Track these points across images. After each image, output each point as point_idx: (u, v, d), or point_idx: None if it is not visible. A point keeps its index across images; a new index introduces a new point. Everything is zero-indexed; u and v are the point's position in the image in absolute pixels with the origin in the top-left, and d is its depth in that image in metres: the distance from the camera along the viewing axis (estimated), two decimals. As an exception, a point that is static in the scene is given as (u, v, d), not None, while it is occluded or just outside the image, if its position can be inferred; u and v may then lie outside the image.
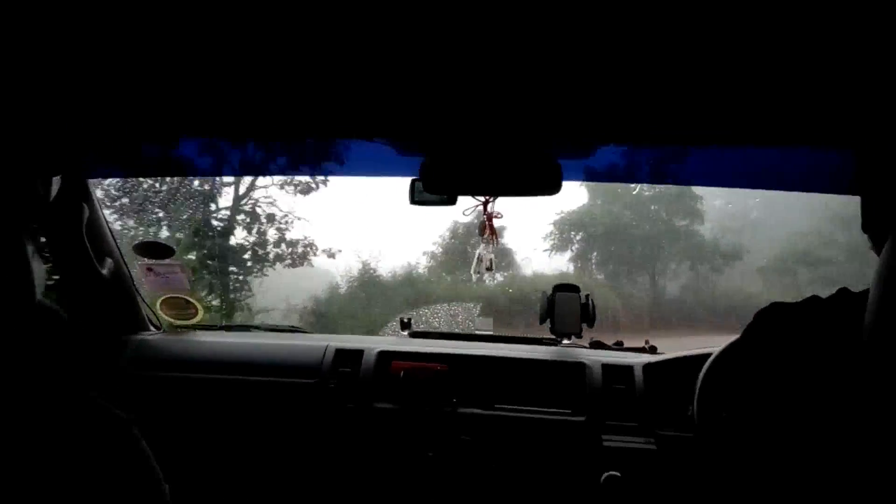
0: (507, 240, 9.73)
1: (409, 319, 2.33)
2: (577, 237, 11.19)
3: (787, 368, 0.74)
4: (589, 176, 1.85)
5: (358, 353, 2.06)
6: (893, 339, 0.56)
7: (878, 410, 0.60)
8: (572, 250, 11.20)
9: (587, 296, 2.11)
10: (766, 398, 0.75)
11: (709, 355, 1.76)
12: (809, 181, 1.69)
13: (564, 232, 11.14)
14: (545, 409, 1.92)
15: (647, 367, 1.96)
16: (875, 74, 0.97)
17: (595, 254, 11.31)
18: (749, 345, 0.82)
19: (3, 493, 0.68)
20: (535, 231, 11.10)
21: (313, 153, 1.85)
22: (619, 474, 1.71)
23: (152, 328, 2.36)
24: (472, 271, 2.02)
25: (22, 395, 0.76)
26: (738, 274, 10.71)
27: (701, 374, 1.72)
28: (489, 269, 1.99)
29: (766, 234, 11.06)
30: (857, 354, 0.62)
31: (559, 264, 11.02)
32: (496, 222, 1.82)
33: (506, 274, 9.63)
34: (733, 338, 1.73)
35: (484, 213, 1.74)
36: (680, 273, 11.10)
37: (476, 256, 1.99)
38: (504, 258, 9.48)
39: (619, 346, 2.21)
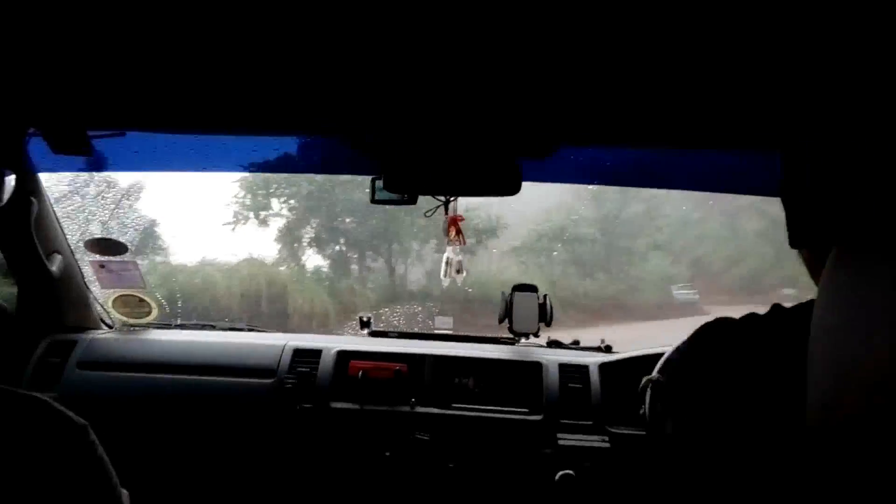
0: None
1: (369, 318, 2.32)
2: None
3: (722, 382, 0.76)
4: (549, 177, 1.88)
5: (316, 353, 2.04)
6: (840, 362, 0.56)
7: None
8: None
9: (545, 296, 2.14)
10: (702, 409, 0.77)
11: (661, 355, 1.81)
12: (748, 183, 1.75)
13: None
14: (503, 409, 1.94)
15: (603, 366, 1.99)
16: (802, 76, 1.02)
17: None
18: (689, 357, 0.85)
19: None
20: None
21: (270, 149, 1.83)
22: (573, 472, 1.74)
23: (104, 327, 2.30)
24: (441, 275, 2.01)
25: None
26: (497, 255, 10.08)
27: (652, 375, 1.76)
28: (459, 271, 1.99)
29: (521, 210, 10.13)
30: (792, 371, 0.62)
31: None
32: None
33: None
34: (679, 343, 1.79)
35: (445, 214, 1.74)
36: (424, 255, 9.93)
37: (444, 260, 1.98)
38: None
39: (575, 344, 2.24)
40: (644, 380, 1.68)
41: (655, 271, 10.38)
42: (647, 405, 1.74)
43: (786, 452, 0.61)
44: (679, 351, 0.87)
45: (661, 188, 1.90)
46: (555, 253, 10.14)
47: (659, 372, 1.73)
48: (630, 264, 10.66)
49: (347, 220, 9.35)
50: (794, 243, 0.73)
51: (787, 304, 0.79)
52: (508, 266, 9.92)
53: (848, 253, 0.58)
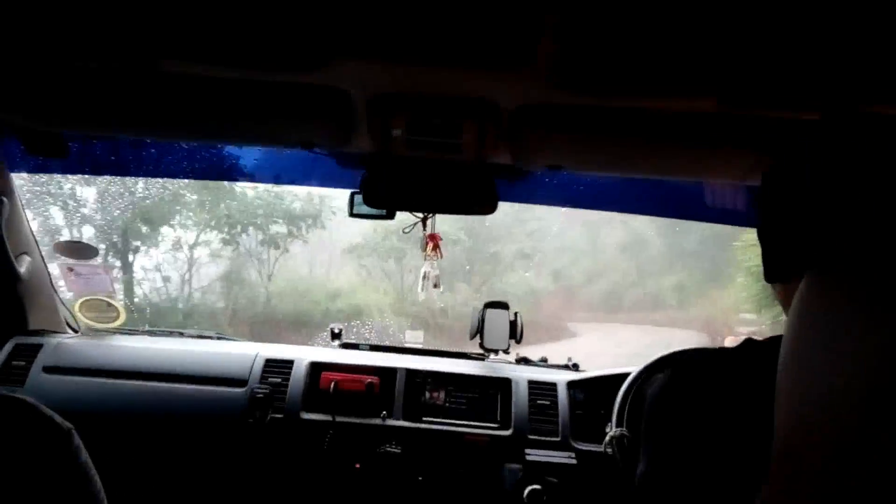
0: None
1: (340, 330, 2.33)
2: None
3: (697, 419, 0.76)
4: (523, 197, 1.92)
5: (288, 363, 2.04)
6: (807, 388, 0.57)
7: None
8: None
9: (516, 313, 2.17)
10: (678, 446, 0.77)
11: (627, 375, 1.86)
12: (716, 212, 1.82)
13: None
14: (473, 423, 1.97)
15: (571, 383, 2.03)
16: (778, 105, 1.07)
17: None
18: (665, 396, 0.83)
19: None
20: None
21: (250, 158, 1.84)
22: (540, 487, 1.77)
23: (70, 331, 2.26)
24: (418, 289, 2.03)
25: None
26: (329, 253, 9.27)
27: (618, 397, 1.81)
28: (436, 286, 2.01)
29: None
30: (765, 403, 0.62)
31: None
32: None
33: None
34: (645, 364, 1.84)
35: (423, 230, 1.77)
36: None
37: (421, 274, 2.00)
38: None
39: (543, 362, 2.28)
40: (608, 436, 1.75)
41: (520, 284, 9.72)
42: (613, 419, 1.80)
43: (754, 486, 0.62)
44: (655, 390, 0.86)
45: (632, 213, 1.95)
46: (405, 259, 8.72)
47: (626, 390, 1.79)
48: (494, 274, 9.83)
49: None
50: (769, 277, 0.75)
51: (757, 338, 0.79)
52: (341, 268, 9.21)
53: (817, 281, 0.60)
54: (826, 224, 0.60)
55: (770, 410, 0.62)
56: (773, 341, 0.75)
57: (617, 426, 1.77)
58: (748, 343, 0.79)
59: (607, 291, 9.89)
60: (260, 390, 1.93)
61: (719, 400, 0.74)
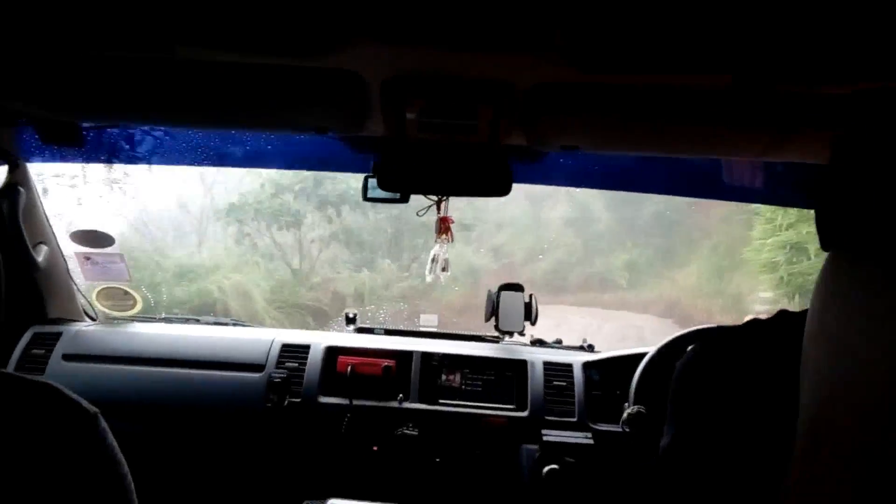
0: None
1: (355, 315, 2.34)
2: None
3: (725, 392, 0.74)
4: (538, 179, 1.91)
5: (304, 348, 2.06)
6: (832, 370, 0.55)
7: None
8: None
9: (531, 295, 2.17)
10: (705, 419, 0.75)
11: (643, 355, 1.86)
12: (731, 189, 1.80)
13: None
14: (489, 405, 1.98)
15: (586, 364, 2.04)
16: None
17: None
18: (692, 367, 0.82)
19: None
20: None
21: (264, 144, 1.84)
22: (558, 467, 1.78)
23: (87, 319, 2.28)
24: (426, 272, 2.03)
25: None
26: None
27: (635, 377, 1.82)
28: (444, 269, 2.02)
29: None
30: (793, 376, 0.60)
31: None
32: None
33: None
34: (660, 344, 1.84)
35: (437, 213, 1.77)
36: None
37: (430, 257, 2.01)
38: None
39: (558, 343, 2.28)
40: (626, 413, 1.75)
41: (458, 261, 8.35)
42: (630, 399, 1.80)
43: (784, 462, 0.61)
44: (682, 360, 0.85)
45: (649, 192, 1.94)
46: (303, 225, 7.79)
47: (646, 368, 1.79)
48: (427, 250, 8.87)
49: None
50: (825, 245, 0.70)
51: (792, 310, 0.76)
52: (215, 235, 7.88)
53: (844, 256, 0.58)
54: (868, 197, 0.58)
55: (777, 390, 0.62)
56: (780, 318, 0.75)
57: (634, 405, 1.78)
58: (782, 314, 0.76)
59: (551, 270, 9.06)
60: (277, 375, 1.95)
61: (752, 371, 0.72)
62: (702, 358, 0.81)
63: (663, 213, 8.43)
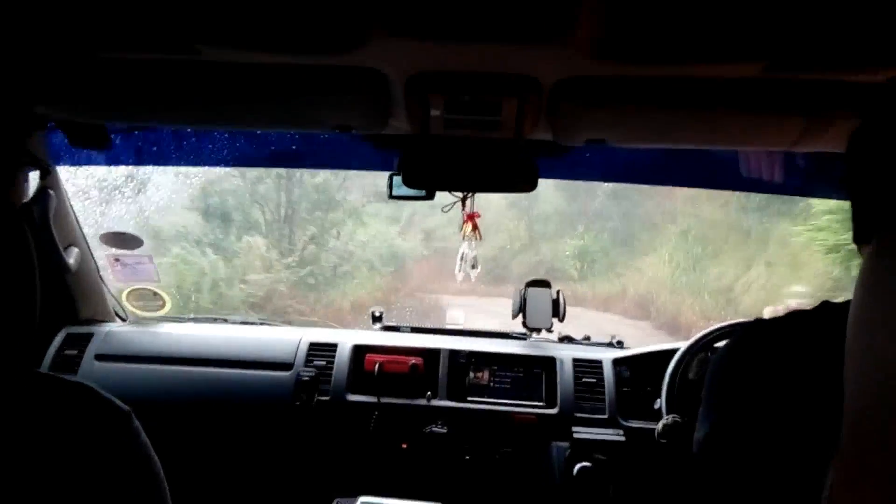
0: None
1: (381, 313, 2.34)
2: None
3: (766, 384, 0.72)
4: (564, 174, 1.89)
5: (332, 346, 2.07)
6: (878, 362, 0.53)
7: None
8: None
9: (558, 291, 2.15)
10: (744, 412, 0.73)
11: (674, 351, 1.83)
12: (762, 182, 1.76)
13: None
14: (518, 402, 1.96)
15: (616, 361, 2.02)
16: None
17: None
18: (731, 358, 0.80)
19: (3, 489, 0.67)
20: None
21: (289, 143, 1.85)
22: (591, 465, 1.76)
23: (118, 320, 2.31)
24: (456, 270, 2.02)
25: (20, 386, 0.75)
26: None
27: (667, 373, 1.78)
28: (473, 266, 2.00)
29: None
30: (836, 368, 0.58)
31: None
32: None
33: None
34: (693, 339, 1.81)
35: (463, 210, 1.75)
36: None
37: (459, 255, 1.99)
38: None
39: (587, 340, 2.26)
40: (661, 424, 1.71)
41: (378, 243, 7.39)
42: (663, 396, 1.77)
43: (826, 456, 0.59)
44: (720, 351, 0.82)
45: (677, 186, 1.91)
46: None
47: (678, 364, 1.76)
48: (337, 225, 7.57)
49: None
50: (857, 238, 0.69)
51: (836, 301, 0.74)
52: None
53: (887, 246, 0.56)
54: None
55: (820, 382, 0.60)
56: (823, 310, 0.73)
57: (667, 402, 1.75)
58: (824, 305, 0.74)
59: (491, 258, 8.03)
60: (305, 373, 1.96)
61: (793, 364, 0.70)
62: (741, 350, 0.79)
63: (619, 191, 7.57)
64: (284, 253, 7.27)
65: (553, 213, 8.29)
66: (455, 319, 2.54)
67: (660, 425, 1.72)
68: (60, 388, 0.78)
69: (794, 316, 0.76)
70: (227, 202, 6.99)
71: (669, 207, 7.55)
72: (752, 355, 0.76)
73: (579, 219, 8.15)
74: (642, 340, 1.93)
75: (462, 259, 2.02)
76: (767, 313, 1.53)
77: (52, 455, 0.71)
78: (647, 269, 7.68)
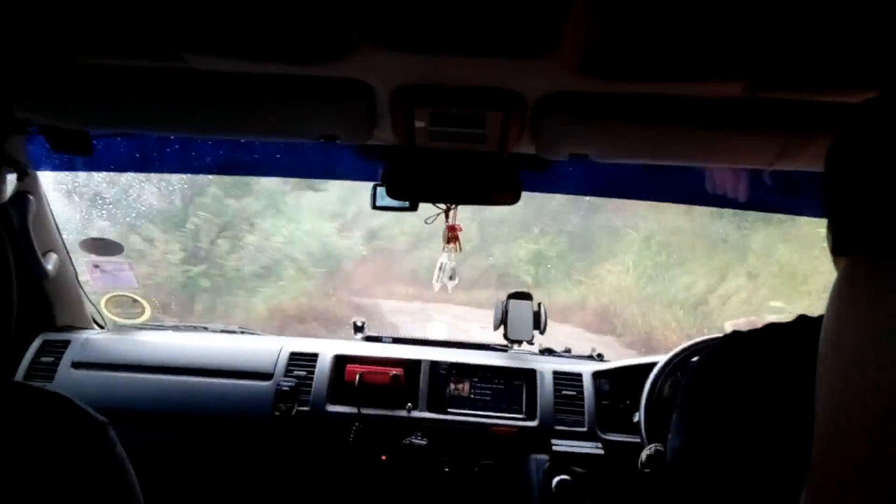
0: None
1: (363, 323, 2.33)
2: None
3: (741, 396, 0.72)
4: (547, 187, 1.90)
5: (313, 357, 2.05)
6: (850, 382, 0.53)
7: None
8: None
9: (539, 304, 2.16)
10: (719, 423, 0.73)
11: (654, 364, 1.84)
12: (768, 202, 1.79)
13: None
14: (498, 414, 1.96)
15: (596, 374, 2.02)
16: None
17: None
18: (707, 369, 0.79)
19: None
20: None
21: (272, 153, 1.84)
22: (569, 478, 1.76)
23: (96, 326, 2.29)
24: (434, 280, 2.02)
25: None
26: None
27: (646, 386, 1.80)
28: (451, 277, 2.01)
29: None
30: (811, 381, 0.59)
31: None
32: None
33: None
34: (673, 352, 1.82)
35: (446, 221, 1.76)
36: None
37: (437, 265, 2.00)
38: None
39: (567, 352, 2.27)
40: (644, 454, 1.71)
41: (312, 240, 6.43)
42: (641, 409, 1.78)
43: (799, 472, 0.59)
44: (695, 363, 0.82)
45: (661, 202, 1.93)
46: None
47: (657, 377, 1.77)
48: (254, 217, 6.55)
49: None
50: (839, 250, 0.69)
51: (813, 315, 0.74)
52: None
53: (861, 262, 0.56)
54: (880, 202, 0.57)
55: (794, 397, 0.60)
56: (800, 323, 0.73)
57: (645, 416, 1.76)
58: (801, 319, 0.74)
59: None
60: (285, 383, 1.94)
61: (768, 377, 0.70)
62: (715, 362, 0.79)
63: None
64: (188, 248, 6.19)
65: (507, 215, 7.64)
66: (437, 331, 2.54)
67: (643, 455, 1.72)
68: (36, 399, 0.77)
69: (770, 329, 0.76)
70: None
71: (631, 212, 7.18)
72: (726, 368, 0.76)
73: (535, 221, 7.61)
74: (610, 357, 1.91)
75: (441, 269, 2.02)
76: (730, 326, 1.54)
77: (26, 465, 0.71)
78: (609, 277, 7.21)
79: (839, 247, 0.67)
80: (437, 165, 1.52)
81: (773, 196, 1.76)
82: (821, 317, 0.66)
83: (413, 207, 1.70)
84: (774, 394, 0.69)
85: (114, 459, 0.79)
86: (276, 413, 1.91)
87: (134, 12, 0.95)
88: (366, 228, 7.37)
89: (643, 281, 6.85)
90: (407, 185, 1.58)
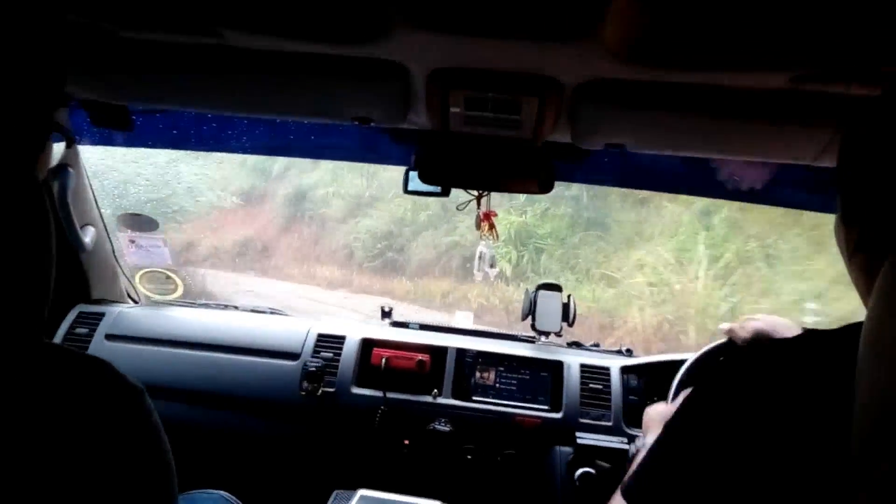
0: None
1: (391, 309, 2.34)
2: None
3: (759, 402, 0.68)
4: (581, 177, 1.88)
5: (340, 339, 2.07)
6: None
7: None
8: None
9: (569, 296, 2.14)
10: (740, 425, 0.69)
11: (683, 361, 1.81)
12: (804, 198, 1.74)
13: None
14: (522, 405, 1.96)
15: (624, 368, 2.00)
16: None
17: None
18: (728, 375, 0.75)
19: (13, 457, 0.67)
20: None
21: (307, 133, 1.85)
22: (593, 471, 1.75)
23: (130, 301, 2.33)
24: (475, 270, 2.01)
25: (34, 357, 0.75)
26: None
27: (674, 383, 1.76)
28: (492, 265, 1.99)
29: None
30: (839, 392, 0.56)
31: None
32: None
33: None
34: (706, 348, 1.78)
35: (478, 208, 1.75)
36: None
37: (477, 254, 1.98)
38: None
39: (596, 346, 2.24)
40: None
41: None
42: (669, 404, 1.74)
43: (825, 480, 0.57)
44: (708, 358, 0.78)
45: (697, 196, 1.89)
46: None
47: (686, 374, 1.73)
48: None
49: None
50: (847, 220, 0.66)
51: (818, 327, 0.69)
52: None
53: None
54: None
55: (834, 408, 0.56)
56: (847, 331, 0.67)
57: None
58: (810, 334, 0.70)
59: (384, 234, 5.92)
60: (312, 364, 1.96)
61: (804, 389, 0.65)
62: (744, 369, 0.73)
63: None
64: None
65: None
66: (464, 320, 2.54)
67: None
68: (74, 362, 0.78)
69: (810, 335, 0.71)
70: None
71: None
72: (753, 377, 0.71)
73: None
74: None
75: (480, 258, 2.00)
76: (724, 326, 1.49)
77: (63, 426, 0.72)
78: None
79: (870, 245, 0.64)
80: (471, 151, 1.51)
81: (823, 193, 1.71)
82: (837, 329, 0.65)
83: (445, 193, 1.68)
84: (796, 398, 0.65)
85: (150, 425, 0.80)
86: (302, 393, 1.93)
87: None
88: (295, 185, 5.91)
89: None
90: (440, 170, 1.57)
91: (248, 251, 6.17)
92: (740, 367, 0.74)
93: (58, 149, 1.75)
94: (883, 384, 0.52)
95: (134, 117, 1.66)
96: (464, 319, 2.56)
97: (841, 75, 1.02)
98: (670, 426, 0.79)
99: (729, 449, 0.68)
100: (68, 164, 1.87)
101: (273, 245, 6.20)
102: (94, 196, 2.09)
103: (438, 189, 1.67)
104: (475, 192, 1.71)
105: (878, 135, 0.62)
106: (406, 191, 1.72)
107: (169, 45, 1.20)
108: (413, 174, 1.66)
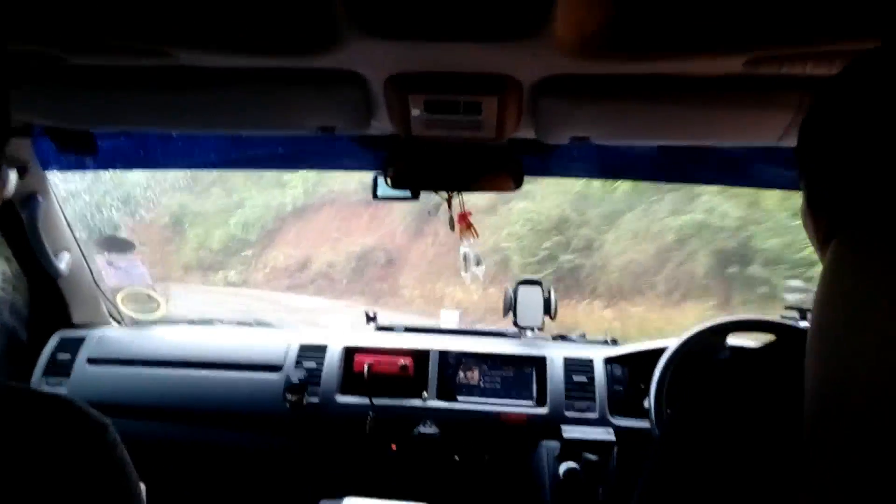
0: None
1: (375, 313, 2.34)
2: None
3: (740, 388, 0.66)
4: (550, 171, 1.88)
5: (321, 348, 2.07)
6: (840, 362, 0.50)
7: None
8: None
9: (549, 289, 2.14)
10: (711, 411, 0.68)
11: (665, 349, 1.81)
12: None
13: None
14: (508, 402, 1.96)
15: (608, 359, 2.01)
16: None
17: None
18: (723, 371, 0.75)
19: None
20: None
21: (274, 145, 1.84)
22: (577, 466, 1.75)
23: (113, 322, 2.33)
24: (462, 272, 1.99)
25: None
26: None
27: (657, 370, 1.77)
28: (478, 264, 1.98)
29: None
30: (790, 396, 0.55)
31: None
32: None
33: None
34: (686, 335, 1.79)
35: (449, 210, 1.74)
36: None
37: (461, 256, 1.97)
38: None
39: (581, 338, 2.24)
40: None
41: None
42: (651, 394, 1.75)
43: (785, 461, 0.55)
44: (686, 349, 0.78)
45: (669, 182, 1.89)
46: None
47: (666, 363, 1.73)
48: None
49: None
50: (815, 207, 0.63)
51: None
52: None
53: (848, 243, 0.53)
54: (866, 173, 0.53)
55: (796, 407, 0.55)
56: None
57: (655, 401, 1.73)
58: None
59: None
60: (295, 375, 1.96)
61: (772, 374, 0.64)
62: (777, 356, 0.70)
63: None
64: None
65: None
66: (449, 319, 2.54)
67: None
68: (35, 403, 0.77)
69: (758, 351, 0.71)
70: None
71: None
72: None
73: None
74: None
75: (465, 259, 1.99)
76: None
77: (25, 470, 0.70)
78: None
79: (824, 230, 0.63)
80: (437, 154, 1.51)
81: (789, 172, 1.71)
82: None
83: (415, 196, 1.69)
84: (773, 386, 0.63)
85: (113, 460, 0.78)
86: (287, 405, 1.93)
87: (117, 10, 0.95)
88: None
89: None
90: (407, 175, 1.57)
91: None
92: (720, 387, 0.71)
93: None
94: (819, 379, 0.52)
95: (99, 141, 1.65)
96: (450, 319, 2.54)
97: (796, 56, 1.02)
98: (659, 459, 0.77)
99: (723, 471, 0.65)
100: (36, 191, 1.86)
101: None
102: (68, 221, 2.08)
103: (408, 193, 1.68)
104: (445, 194, 1.71)
105: (836, 115, 0.60)
106: (375, 196, 1.72)
107: (123, 68, 1.19)
108: (381, 180, 1.66)
